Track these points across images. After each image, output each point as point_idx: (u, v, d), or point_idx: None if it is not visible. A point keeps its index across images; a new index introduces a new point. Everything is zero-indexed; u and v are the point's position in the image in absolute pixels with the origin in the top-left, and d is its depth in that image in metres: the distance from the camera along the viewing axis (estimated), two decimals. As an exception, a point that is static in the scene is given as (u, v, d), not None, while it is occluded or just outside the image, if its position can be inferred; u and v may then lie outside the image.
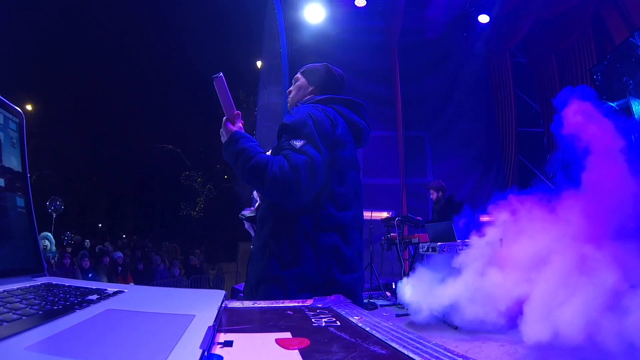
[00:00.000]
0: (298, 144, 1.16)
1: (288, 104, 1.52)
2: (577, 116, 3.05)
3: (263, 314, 0.73)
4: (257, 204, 2.29)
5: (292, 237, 1.17)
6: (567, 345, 2.28)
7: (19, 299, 0.46)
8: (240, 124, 1.30)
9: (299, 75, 1.53)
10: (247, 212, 2.30)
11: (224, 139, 1.26)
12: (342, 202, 1.25)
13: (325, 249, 1.19)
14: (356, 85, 7.10)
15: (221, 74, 1.27)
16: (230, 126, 1.25)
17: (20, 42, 13.84)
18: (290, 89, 1.52)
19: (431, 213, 4.91)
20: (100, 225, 17.53)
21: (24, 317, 0.39)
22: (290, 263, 1.15)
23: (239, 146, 1.18)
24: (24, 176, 0.68)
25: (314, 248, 1.17)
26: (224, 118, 1.29)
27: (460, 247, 3.85)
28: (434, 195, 4.80)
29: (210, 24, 16.27)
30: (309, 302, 0.84)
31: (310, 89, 1.49)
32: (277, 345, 0.49)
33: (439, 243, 3.97)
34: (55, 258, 6.51)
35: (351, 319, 0.68)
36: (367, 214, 5.78)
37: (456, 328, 3.49)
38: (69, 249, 7.50)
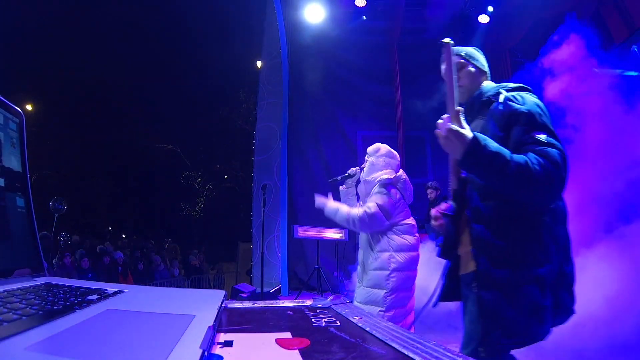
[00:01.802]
0: (542, 136, 1.11)
1: (456, 92, 1.28)
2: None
3: (263, 314, 0.73)
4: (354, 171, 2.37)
5: (537, 234, 1.11)
6: (569, 346, 2.28)
7: (19, 299, 0.46)
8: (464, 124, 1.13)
9: (462, 60, 1.42)
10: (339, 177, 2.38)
11: (451, 144, 1.12)
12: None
13: (562, 242, 1.16)
14: (356, 85, 7.11)
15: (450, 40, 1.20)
16: (464, 131, 1.10)
17: (20, 42, 13.84)
18: (459, 75, 1.37)
19: (426, 212, 4.94)
20: (100, 225, 17.53)
21: (24, 317, 0.39)
22: (543, 261, 1.10)
23: (490, 150, 1.07)
24: (24, 176, 0.68)
25: (555, 243, 1.13)
26: (444, 119, 1.14)
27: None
28: (432, 195, 4.81)
29: (210, 24, 16.28)
30: (309, 302, 0.84)
31: (483, 76, 1.43)
32: (277, 345, 0.49)
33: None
34: (56, 258, 6.51)
35: (351, 319, 0.68)
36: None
37: (456, 328, 3.48)
38: (68, 250, 7.50)
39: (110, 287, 0.63)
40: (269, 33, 7.17)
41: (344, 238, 5.74)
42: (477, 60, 1.43)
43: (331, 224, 5.97)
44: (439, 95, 7.22)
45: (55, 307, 0.46)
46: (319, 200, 2.34)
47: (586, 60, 3.52)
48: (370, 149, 2.39)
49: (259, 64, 7.69)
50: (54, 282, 0.64)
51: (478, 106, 1.35)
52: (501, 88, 1.31)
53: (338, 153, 6.87)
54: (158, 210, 18.52)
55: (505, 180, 1.07)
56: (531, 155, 1.08)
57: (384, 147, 2.37)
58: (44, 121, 14.59)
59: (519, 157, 1.07)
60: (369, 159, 2.34)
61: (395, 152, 2.41)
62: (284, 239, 6.09)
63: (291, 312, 0.74)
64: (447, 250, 1.30)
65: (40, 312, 0.42)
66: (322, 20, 6.65)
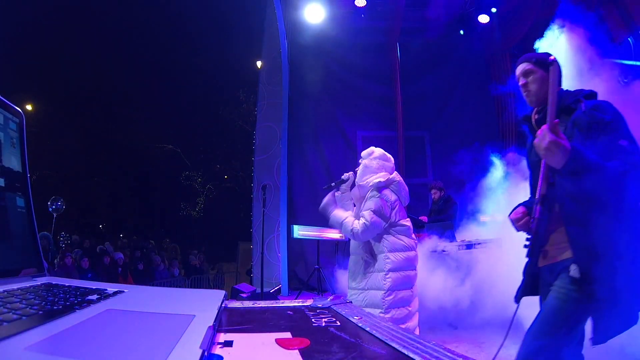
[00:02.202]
0: (625, 144, 1.23)
1: (529, 98, 1.46)
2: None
3: (263, 314, 0.73)
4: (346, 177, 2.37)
5: (629, 231, 1.23)
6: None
7: (19, 299, 0.46)
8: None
9: (533, 67, 1.45)
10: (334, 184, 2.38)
11: (552, 155, 1.20)
12: None
13: None
14: (356, 85, 7.11)
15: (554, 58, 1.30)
16: (563, 142, 1.18)
17: (20, 42, 13.84)
18: (527, 81, 1.45)
19: (429, 212, 4.93)
20: (100, 225, 17.54)
21: (24, 317, 0.39)
22: (637, 254, 1.23)
23: (588, 159, 1.19)
24: (24, 176, 0.68)
25: None
26: (543, 130, 1.21)
27: (461, 247, 3.86)
28: (436, 195, 4.81)
29: (210, 24, 16.29)
30: (309, 302, 0.84)
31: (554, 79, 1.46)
32: (277, 345, 0.49)
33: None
34: (57, 258, 6.51)
35: (351, 319, 0.68)
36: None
37: (456, 328, 3.49)
38: (68, 250, 7.51)
39: (110, 287, 0.63)
40: (269, 33, 7.17)
41: (344, 238, 5.74)
42: (545, 67, 1.44)
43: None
44: (439, 95, 7.23)
45: (55, 307, 0.46)
46: (326, 205, 2.35)
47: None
48: (364, 152, 2.40)
49: (259, 64, 7.69)
50: (54, 282, 0.64)
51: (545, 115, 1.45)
52: (578, 95, 1.40)
53: (338, 153, 6.87)
54: (158, 210, 18.53)
55: (599, 185, 1.20)
56: (620, 162, 1.20)
57: (377, 150, 2.39)
58: (44, 121, 14.59)
59: (611, 164, 1.20)
60: (363, 162, 2.35)
61: (389, 155, 2.42)
62: (284, 239, 6.09)
63: (291, 312, 0.74)
64: (535, 250, 1.41)
65: (40, 312, 0.42)
66: (322, 20, 6.65)
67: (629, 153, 1.21)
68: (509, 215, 1.49)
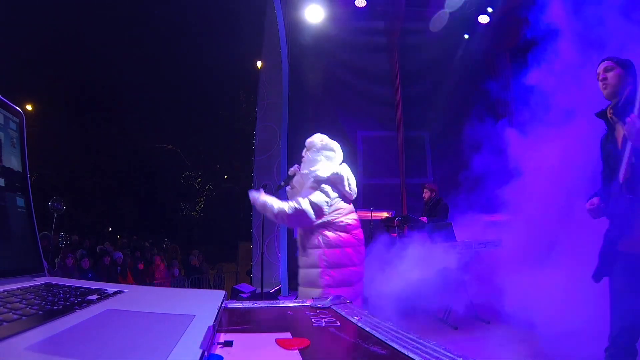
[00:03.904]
0: None
1: (606, 90, 1.69)
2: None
3: (263, 314, 0.73)
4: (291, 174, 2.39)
5: None
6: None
7: (19, 299, 0.46)
8: None
9: (614, 65, 1.69)
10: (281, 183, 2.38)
11: None
12: None
13: None
14: (356, 85, 7.10)
15: None
16: None
17: (20, 42, 13.84)
18: (606, 75, 1.69)
19: (421, 212, 4.95)
20: (100, 225, 17.53)
21: (24, 317, 0.39)
22: None
23: None
24: (24, 176, 0.67)
25: None
26: (633, 119, 1.45)
27: (461, 247, 3.85)
28: (426, 194, 4.84)
29: (210, 24, 16.27)
30: (309, 302, 0.84)
31: (630, 80, 1.67)
32: (277, 345, 0.49)
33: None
34: (58, 258, 6.50)
35: (351, 319, 0.68)
36: (367, 214, 5.79)
37: (456, 328, 3.49)
38: (69, 250, 7.50)
39: (110, 287, 0.63)
40: (269, 33, 7.16)
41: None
42: (625, 67, 1.68)
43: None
44: (439, 95, 7.22)
45: (55, 307, 0.46)
46: (251, 195, 2.25)
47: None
48: (307, 142, 2.38)
49: (259, 64, 7.69)
50: (54, 282, 0.64)
51: (624, 106, 1.60)
52: None
53: (338, 153, 6.86)
54: (158, 210, 18.52)
55: None
56: None
57: (318, 141, 2.34)
58: (44, 121, 14.59)
59: None
60: (306, 154, 2.32)
61: (334, 143, 2.37)
62: (284, 239, 6.08)
63: (291, 312, 0.74)
64: (618, 232, 1.54)
65: (40, 312, 0.42)
66: (322, 20, 6.65)
67: None
68: (586, 204, 1.66)
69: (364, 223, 6.26)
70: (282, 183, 2.45)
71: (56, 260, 6.36)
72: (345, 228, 2.15)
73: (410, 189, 6.81)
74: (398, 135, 6.95)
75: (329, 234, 2.11)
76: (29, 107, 14.26)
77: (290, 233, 5.85)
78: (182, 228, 17.82)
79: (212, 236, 16.91)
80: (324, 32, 6.75)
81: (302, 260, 2.19)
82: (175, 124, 17.55)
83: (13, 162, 0.65)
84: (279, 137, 6.70)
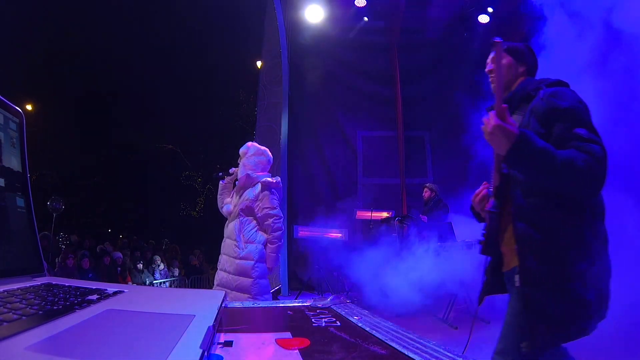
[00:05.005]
0: (583, 132, 1.12)
1: (494, 83, 1.33)
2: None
3: (263, 314, 0.73)
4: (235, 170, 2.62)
5: (579, 230, 1.12)
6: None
7: (19, 299, 0.46)
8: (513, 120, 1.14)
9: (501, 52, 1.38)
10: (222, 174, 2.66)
11: (497, 140, 1.13)
12: None
13: (602, 238, 1.16)
14: (356, 85, 7.10)
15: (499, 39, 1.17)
16: (510, 127, 1.11)
17: (20, 42, 13.84)
18: (491, 68, 1.36)
19: (421, 211, 4.96)
20: (100, 225, 17.52)
21: (24, 317, 0.39)
22: (585, 256, 1.11)
23: (536, 145, 1.09)
24: (24, 176, 0.67)
25: (595, 239, 1.14)
26: (490, 115, 1.15)
27: (461, 247, 3.85)
28: (426, 194, 4.84)
29: (210, 24, 16.28)
30: (309, 302, 0.84)
31: (522, 69, 1.39)
32: (277, 345, 0.49)
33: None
34: (58, 258, 6.50)
35: (351, 319, 0.68)
36: (367, 214, 5.79)
37: (456, 328, 3.49)
38: (69, 250, 7.49)
39: (110, 287, 0.63)
40: (269, 33, 7.16)
41: (344, 238, 5.74)
42: (519, 55, 1.40)
43: (331, 224, 5.93)
44: (439, 95, 7.22)
45: (55, 307, 0.46)
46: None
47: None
48: (240, 151, 2.63)
49: (259, 64, 7.69)
50: (54, 282, 0.64)
51: (517, 101, 1.34)
52: (541, 83, 1.31)
53: (338, 153, 6.87)
54: (158, 210, 18.52)
55: (550, 176, 1.10)
56: (574, 151, 1.10)
57: (252, 148, 2.61)
58: (44, 121, 14.59)
59: (563, 153, 1.09)
60: (241, 161, 2.58)
61: (263, 149, 2.65)
62: (284, 239, 6.08)
63: (291, 312, 0.74)
64: (488, 247, 1.30)
65: (40, 312, 0.42)
66: (322, 20, 6.65)
67: (585, 141, 1.10)
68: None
69: (364, 223, 6.27)
70: (221, 174, 2.72)
71: (57, 261, 6.36)
72: (279, 226, 2.58)
73: (410, 188, 6.81)
74: (398, 135, 6.95)
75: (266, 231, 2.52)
76: (29, 107, 14.27)
77: (290, 233, 5.85)
78: (182, 228, 17.81)
79: (212, 236, 16.88)
80: (324, 32, 6.75)
81: (235, 252, 2.51)
82: (175, 124, 17.57)
83: (13, 162, 0.65)
84: (279, 137, 6.70)
